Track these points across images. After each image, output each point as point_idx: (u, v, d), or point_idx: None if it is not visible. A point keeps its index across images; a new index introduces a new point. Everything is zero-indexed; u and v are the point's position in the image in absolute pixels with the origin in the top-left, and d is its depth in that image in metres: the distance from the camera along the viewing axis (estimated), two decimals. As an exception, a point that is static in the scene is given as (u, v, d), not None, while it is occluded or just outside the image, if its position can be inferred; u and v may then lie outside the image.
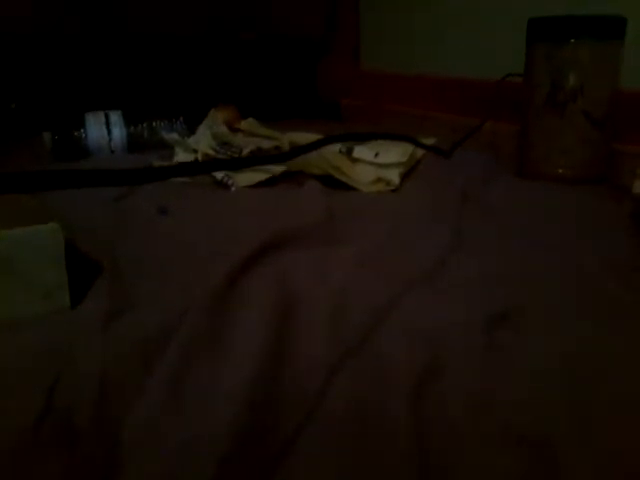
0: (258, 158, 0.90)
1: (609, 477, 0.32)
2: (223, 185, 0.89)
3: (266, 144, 1.00)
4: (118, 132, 1.13)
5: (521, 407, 0.37)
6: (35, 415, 0.36)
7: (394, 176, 0.88)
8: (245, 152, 0.96)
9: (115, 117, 1.13)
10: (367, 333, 0.46)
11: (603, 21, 0.83)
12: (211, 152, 0.97)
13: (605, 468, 0.32)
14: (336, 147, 0.96)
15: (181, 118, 1.18)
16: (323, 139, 0.94)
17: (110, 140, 1.12)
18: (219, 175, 0.89)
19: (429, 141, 1.08)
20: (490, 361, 0.41)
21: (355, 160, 0.93)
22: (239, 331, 0.45)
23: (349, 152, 0.95)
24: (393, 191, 0.87)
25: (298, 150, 0.91)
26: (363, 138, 1.01)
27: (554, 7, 0.98)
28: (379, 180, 0.89)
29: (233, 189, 0.87)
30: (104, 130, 1.12)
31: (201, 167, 0.88)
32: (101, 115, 1.12)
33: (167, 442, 0.34)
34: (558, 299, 0.51)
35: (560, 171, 0.89)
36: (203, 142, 1.00)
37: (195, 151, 1.00)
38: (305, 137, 1.07)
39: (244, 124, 1.12)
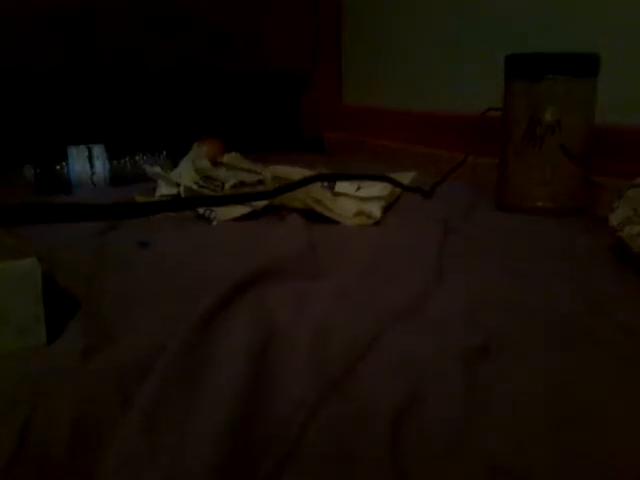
0: (242, 195, 0.90)
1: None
2: (205, 219, 0.89)
3: (249, 178, 1.01)
4: (101, 166, 1.13)
5: (503, 439, 0.36)
6: (9, 453, 0.35)
7: (376, 209, 0.89)
8: (227, 186, 0.96)
9: (98, 151, 1.13)
10: (347, 368, 0.45)
11: (577, 58, 0.86)
12: (194, 186, 0.97)
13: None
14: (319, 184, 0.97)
15: (164, 152, 1.18)
16: (306, 179, 0.94)
17: (93, 174, 1.12)
18: (201, 209, 0.89)
19: (409, 175, 1.09)
20: (471, 394, 0.41)
21: (337, 194, 0.94)
22: (218, 367, 0.45)
23: (331, 186, 0.95)
24: (375, 224, 0.88)
25: (281, 189, 0.90)
26: (346, 178, 1.01)
27: (531, 44, 1.01)
28: (361, 213, 0.89)
29: (215, 223, 0.87)
30: (87, 164, 1.12)
31: (186, 203, 0.88)
32: (84, 149, 1.13)
33: (144, 476, 0.33)
34: (539, 331, 0.51)
35: (539, 203, 0.90)
36: (185, 176, 1.00)
37: (178, 185, 1.00)
38: (288, 171, 1.07)
39: (227, 158, 1.12)
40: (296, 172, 1.05)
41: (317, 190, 0.93)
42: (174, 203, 0.87)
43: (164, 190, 1.02)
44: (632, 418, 0.39)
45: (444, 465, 0.35)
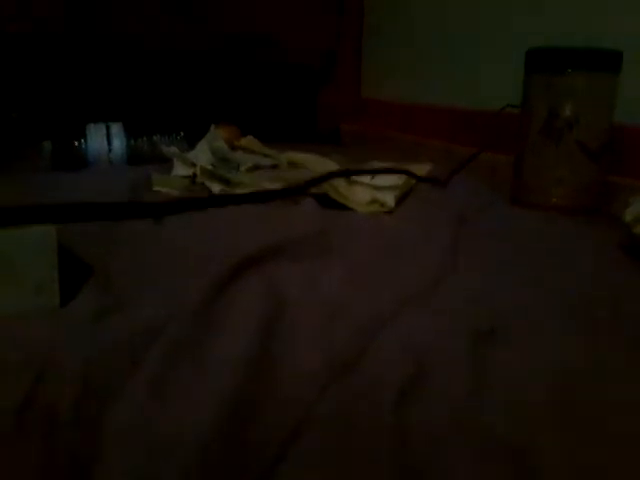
0: (262, 194, 0.88)
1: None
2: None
3: (264, 162, 1.01)
4: (118, 144, 1.14)
5: (505, 414, 0.37)
6: (18, 403, 0.36)
7: (389, 198, 0.89)
8: (243, 168, 0.96)
9: (116, 129, 1.14)
10: (354, 345, 0.46)
11: (599, 54, 0.85)
12: (209, 167, 0.98)
13: (589, 475, 0.32)
14: (333, 168, 0.97)
15: (182, 133, 1.19)
16: (325, 175, 0.93)
17: (110, 151, 1.13)
18: (216, 189, 0.90)
19: (425, 167, 1.09)
20: (475, 371, 0.41)
21: (352, 182, 0.94)
22: (225, 335, 0.45)
23: (346, 173, 0.96)
24: (388, 213, 0.88)
25: (303, 186, 0.89)
26: (365, 173, 1.01)
27: (551, 39, 1.01)
28: (375, 201, 0.89)
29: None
30: (104, 141, 1.13)
31: (199, 203, 0.88)
32: (102, 127, 1.13)
33: (149, 434, 0.34)
34: (547, 319, 0.51)
35: (554, 200, 0.90)
36: (202, 157, 1.01)
37: (194, 165, 1.00)
38: (304, 157, 1.08)
39: (244, 141, 1.13)
40: (312, 158, 1.06)
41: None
42: (195, 202, 0.87)
43: (180, 170, 1.03)
44: (631, 394, 0.39)
45: (447, 437, 0.35)
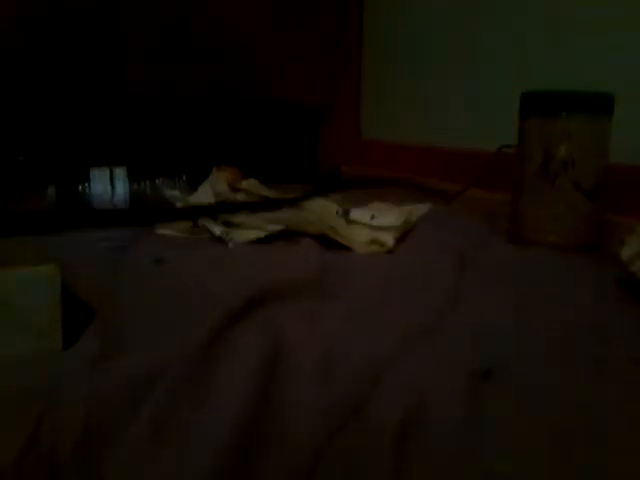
0: (257, 204, 0.90)
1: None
2: (221, 241, 0.90)
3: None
4: (121, 188, 1.16)
5: (504, 456, 0.37)
6: (18, 451, 0.36)
7: (389, 238, 0.90)
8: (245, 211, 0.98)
9: (119, 173, 1.16)
10: (354, 387, 0.46)
11: (593, 97, 0.87)
12: (211, 209, 0.99)
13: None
14: (333, 209, 0.98)
15: (184, 177, 1.21)
16: (306, 194, 0.96)
17: (113, 195, 1.15)
18: (217, 231, 0.91)
19: (424, 207, 1.11)
20: (474, 411, 0.41)
21: (351, 222, 0.95)
22: (224, 380, 0.45)
23: (346, 214, 0.97)
24: (388, 253, 0.89)
25: (294, 199, 0.92)
26: (371, 184, 1.03)
27: (546, 81, 1.03)
28: (374, 241, 0.90)
29: (230, 245, 0.89)
30: (108, 185, 1.15)
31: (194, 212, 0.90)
32: (106, 171, 1.16)
33: (150, 479, 0.34)
34: (543, 356, 0.52)
35: (551, 238, 0.90)
36: (204, 200, 1.02)
37: (195, 208, 1.02)
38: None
39: (245, 184, 1.14)
40: (312, 200, 1.07)
41: (332, 218, 0.94)
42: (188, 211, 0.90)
43: (182, 213, 1.04)
44: (632, 439, 0.39)
45: (445, 477, 0.35)
